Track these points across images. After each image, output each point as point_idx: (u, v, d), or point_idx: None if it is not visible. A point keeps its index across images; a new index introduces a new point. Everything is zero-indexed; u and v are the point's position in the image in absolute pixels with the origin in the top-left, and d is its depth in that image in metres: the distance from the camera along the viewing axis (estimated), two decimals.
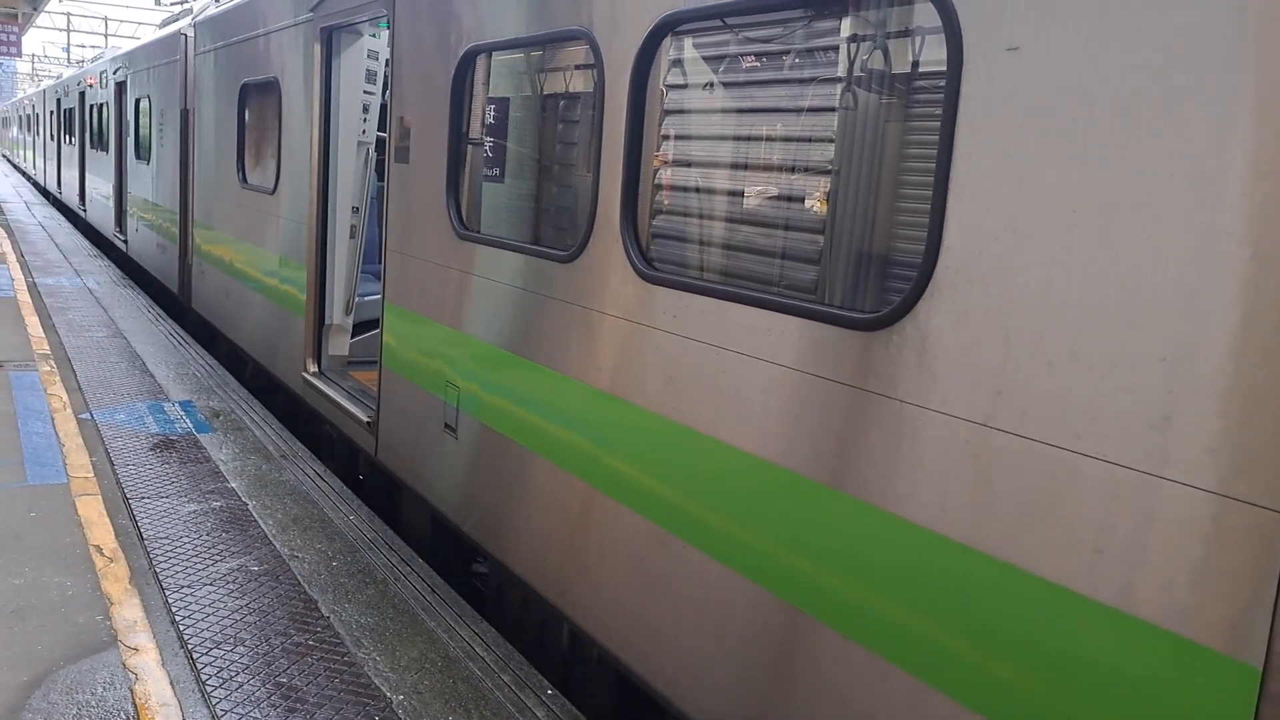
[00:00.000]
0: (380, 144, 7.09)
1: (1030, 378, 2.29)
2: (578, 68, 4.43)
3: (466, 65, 4.77)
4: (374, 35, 6.83)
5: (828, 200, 3.24)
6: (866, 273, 3.14)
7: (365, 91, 6.92)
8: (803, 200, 3.38)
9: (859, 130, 3.16)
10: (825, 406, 2.84)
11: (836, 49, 3.29)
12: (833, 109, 3.28)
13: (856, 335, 2.74)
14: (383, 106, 7.08)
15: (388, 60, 6.65)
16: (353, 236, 7.00)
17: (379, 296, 5.85)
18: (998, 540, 2.36)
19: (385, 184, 5.68)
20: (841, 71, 3.24)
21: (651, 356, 3.53)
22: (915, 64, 3.02)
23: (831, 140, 3.27)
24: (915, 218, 2.93)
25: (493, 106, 4.99)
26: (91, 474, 5.92)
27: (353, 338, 7.21)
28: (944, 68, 2.54)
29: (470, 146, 4.98)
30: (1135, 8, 2.08)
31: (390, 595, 4.68)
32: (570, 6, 3.94)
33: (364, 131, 6.94)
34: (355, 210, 6.98)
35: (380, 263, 5.80)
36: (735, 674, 3.18)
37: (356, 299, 7.14)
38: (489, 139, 5.00)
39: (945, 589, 2.49)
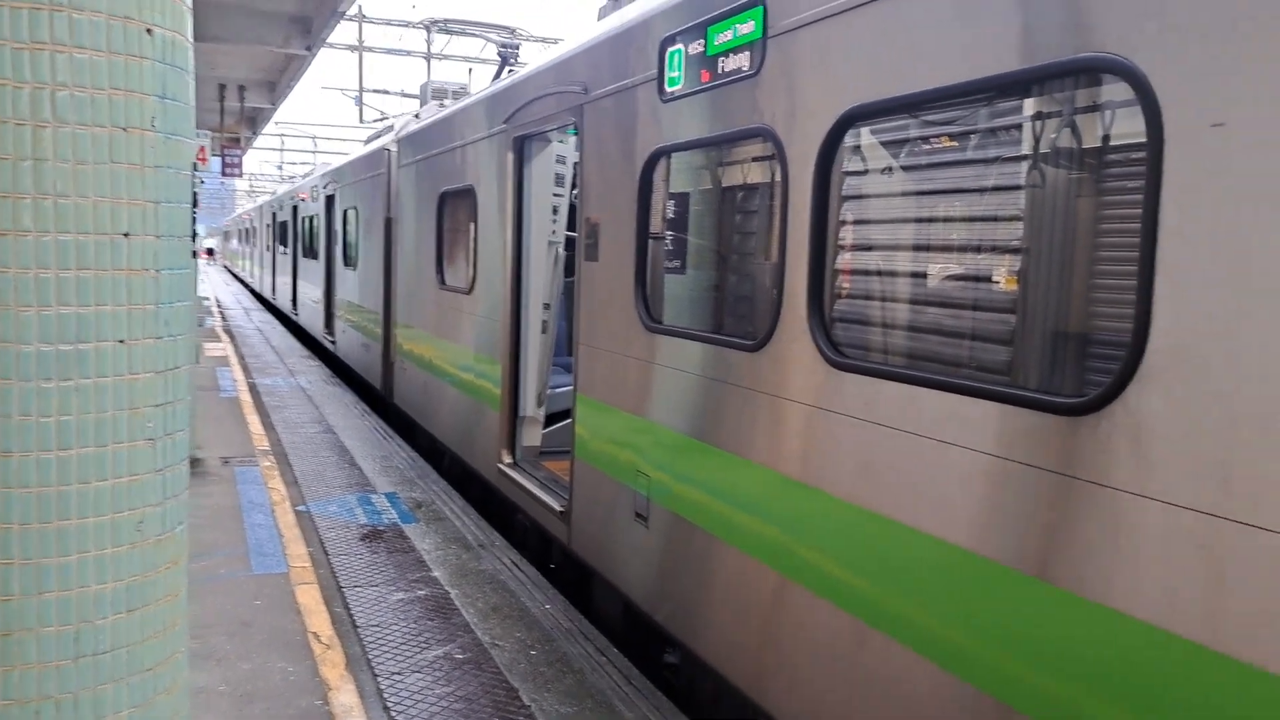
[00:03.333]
0: (568, 243, 7.44)
1: (1262, 463, 2.14)
2: (759, 161, 4.53)
3: (652, 165, 4.96)
4: (561, 141, 7.21)
5: (1020, 280, 3.16)
6: (1065, 354, 3.03)
7: (554, 194, 7.29)
8: (994, 280, 3.31)
9: (1049, 208, 3.08)
10: (1030, 495, 2.74)
11: (1021, 128, 3.25)
12: (1020, 187, 3.23)
13: (1061, 420, 2.64)
14: (570, 207, 7.45)
15: (575, 164, 7.00)
16: (544, 331, 7.31)
17: (569, 388, 6.05)
18: (1237, 638, 2.19)
19: (575, 280, 5.92)
20: (1028, 150, 3.19)
21: (844, 444, 3.50)
22: (1107, 139, 2.95)
23: (1021, 219, 3.21)
24: (1117, 295, 2.82)
25: (679, 203, 5.15)
26: (309, 563, 6.32)
27: (544, 429, 7.47)
28: (1138, 141, 2.48)
29: (656, 242, 5.15)
30: None
31: (588, 685, 4.73)
32: (753, 107, 4.05)
33: (553, 232, 7.29)
34: (546, 306, 7.30)
35: (569, 355, 6.01)
36: None
37: (548, 391, 7.42)
38: (676, 234, 5.16)
39: (1177, 689, 2.32)
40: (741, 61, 4.13)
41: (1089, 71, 2.70)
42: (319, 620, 5.38)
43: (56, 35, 1.65)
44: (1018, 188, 3.24)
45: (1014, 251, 3.22)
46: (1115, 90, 2.78)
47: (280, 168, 57.17)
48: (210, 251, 79.34)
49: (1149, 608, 2.39)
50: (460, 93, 12.15)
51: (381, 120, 21.87)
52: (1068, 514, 2.63)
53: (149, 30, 1.75)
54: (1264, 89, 2.15)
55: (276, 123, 43.25)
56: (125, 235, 1.77)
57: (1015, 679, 2.78)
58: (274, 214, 27.03)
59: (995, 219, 3.35)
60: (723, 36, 4.28)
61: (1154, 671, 2.38)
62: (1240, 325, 2.20)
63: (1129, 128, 2.77)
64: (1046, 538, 2.69)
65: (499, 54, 10.54)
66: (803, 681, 3.71)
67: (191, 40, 1.88)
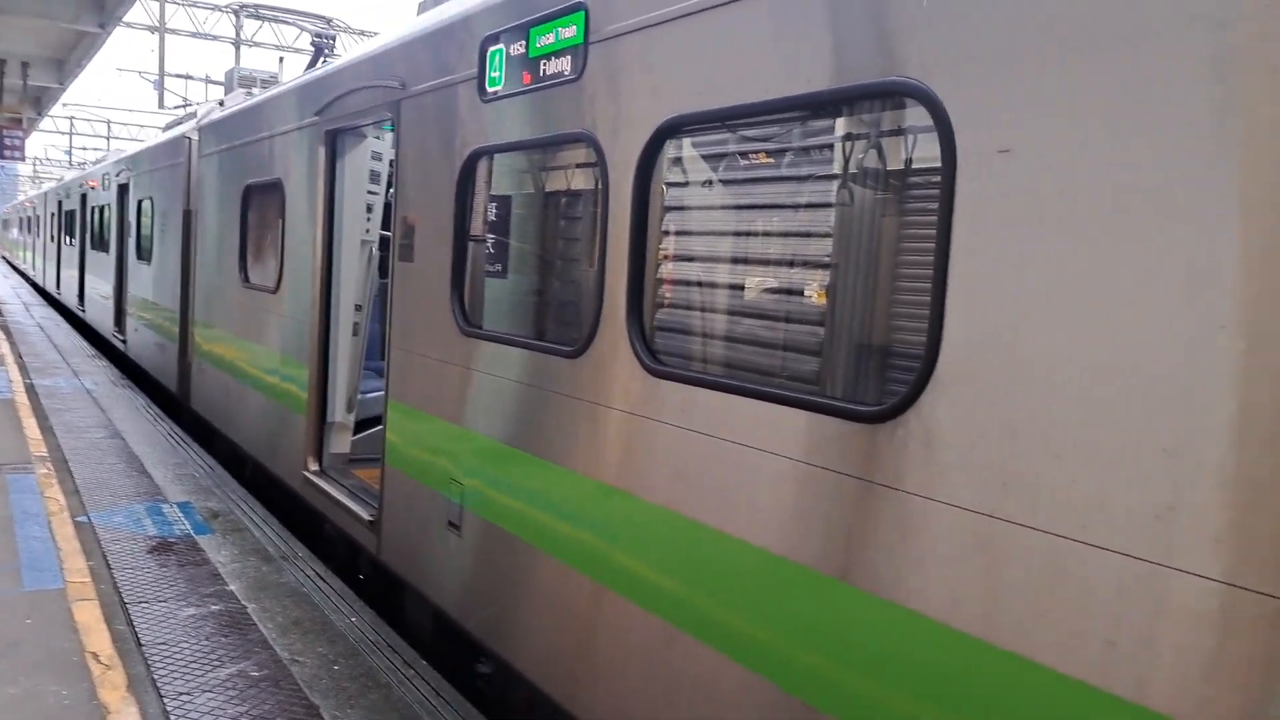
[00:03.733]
0: (384, 242, 7.20)
1: (1036, 469, 2.30)
2: (581, 166, 4.52)
3: (471, 166, 4.87)
4: (378, 137, 6.99)
5: (828, 294, 3.28)
6: (869, 365, 3.16)
7: (369, 191, 7.04)
8: (805, 294, 3.43)
9: (856, 225, 3.22)
10: (832, 499, 2.84)
11: (832, 147, 3.38)
12: (830, 204, 3.35)
13: (861, 428, 2.75)
14: (386, 205, 7.22)
15: (392, 161, 6.80)
16: (355, 334, 7.05)
17: (381, 393, 5.85)
18: (1010, 633, 2.34)
19: (389, 282, 5.74)
20: (838, 169, 3.32)
21: (659, 450, 3.53)
22: (909, 161, 3.10)
23: (830, 235, 3.34)
24: (915, 310, 2.97)
25: (498, 205, 5.08)
26: (89, 578, 5.83)
27: (354, 435, 7.20)
28: (938, 165, 2.61)
29: (474, 244, 5.05)
30: (1120, 111, 2.14)
31: (394, 700, 4.57)
32: (574, 112, 4.04)
33: (367, 230, 7.05)
34: (358, 308, 7.04)
35: (382, 359, 5.82)
36: None
37: (359, 396, 7.15)
38: (494, 237, 5.08)
39: (959, 682, 2.45)
40: (563, 65, 4.12)
41: (892, 95, 2.83)
42: (98, 639, 4.97)
43: None
44: (827, 205, 3.36)
45: (823, 266, 3.33)
46: (916, 114, 2.92)
47: (69, 153, 53.01)
48: None
49: (935, 606, 2.51)
50: (270, 82, 11.61)
51: (184, 107, 20.65)
52: (867, 518, 2.73)
53: None
54: (1044, 120, 2.30)
55: (65, 104, 40.09)
56: None
57: (820, 679, 2.86)
58: (60, 202, 25.01)
59: (807, 234, 3.46)
60: (545, 39, 4.25)
61: (943, 667, 2.50)
62: (1017, 342, 2.35)
63: (928, 151, 2.92)
64: (848, 541, 2.79)
65: (313, 44, 10.13)
66: (617, 687, 3.71)
67: None
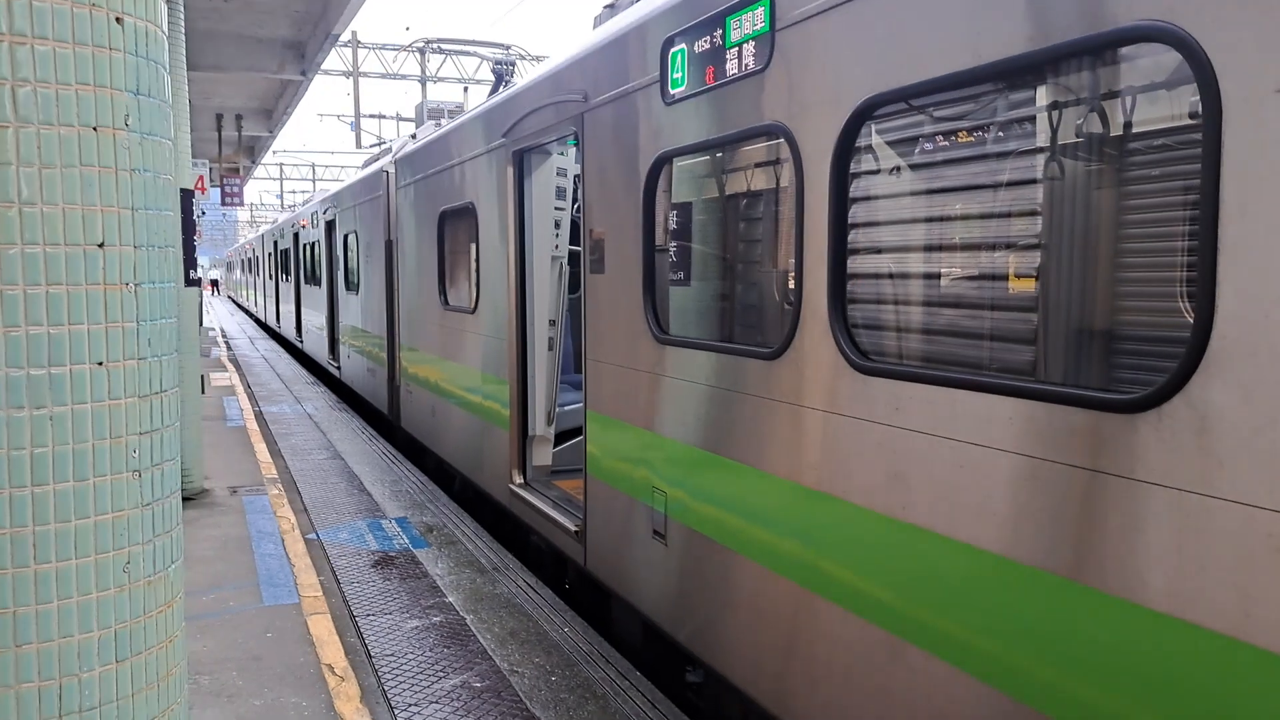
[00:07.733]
0: (572, 257, 7.30)
1: None
2: (773, 163, 4.38)
3: (657, 172, 4.82)
4: (562, 154, 7.08)
5: (1047, 274, 3.01)
6: (1111, 348, 2.86)
7: (556, 207, 7.15)
8: (1021, 279, 3.16)
9: (1079, 199, 2.93)
10: (1084, 497, 2.57)
11: (1050, 113, 3.09)
12: (1052, 179, 3.07)
13: (1114, 418, 2.47)
14: (573, 221, 7.31)
15: (576, 176, 6.86)
16: (550, 349, 7.16)
17: (578, 405, 5.89)
18: None
19: (581, 295, 5.78)
20: (1064, 136, 3.03)
21: (872, 452, 3.34)
22: (1153, 117, 2.79)
23: (1046, 214, 3.06)
24: (1161, 286, 2.66)
25: (690, 209, 5.01)
26: (320, 593, 6.15)
27: (555, 447, 7.31)
28: (1179, 121, 2.32)
29: (665, 250, 5.00)
30: None
31: (611, 711, 4.56)
32: (763, 103, 3.91)
33: (556, 246, 7.15)
34: (552, 323, 7.15)
35: (576, 372, 5.86)
36: None
37: (557, 409, 7.26)
38: (685, 242, 5.01)
39: (1260, 704, 2.15)
40: (749, 56, 4.00)
41: (1132, 42, 2.54)
42: (332, 651, 5.21)
43: (16, 26, 1.50)
44: (1049, 179, 3.09)
45: (1044, 247, 3.06)
46: (1157, 65, 2.62)
47: (280, 196, 57.23)
48: (215, 284, 79.26)
49: (1220, 616, 2.22)
50: (456, 111, 12.06)
51: (379, 145, 21.83)
52: (1129, 518, 2.45)
53: (118, 19, 1.60)
54: None
55: (275, 152, 43.33)
56: (100, 246, 1.62)
57: (1068, 694, 2.61)
58: (275, 242, 26.96)
59: (1028, 213, 3.19)
60: (728, 33, 4.14)
61: (1230, 683, 2.21)
62: None
63: (1165, 110, 2.61)
64: (1105, 544, 2.52)
65: (493, 71, 10.43)
66: (830, 695, 3.54)
67: (167, 31, 1.73)
